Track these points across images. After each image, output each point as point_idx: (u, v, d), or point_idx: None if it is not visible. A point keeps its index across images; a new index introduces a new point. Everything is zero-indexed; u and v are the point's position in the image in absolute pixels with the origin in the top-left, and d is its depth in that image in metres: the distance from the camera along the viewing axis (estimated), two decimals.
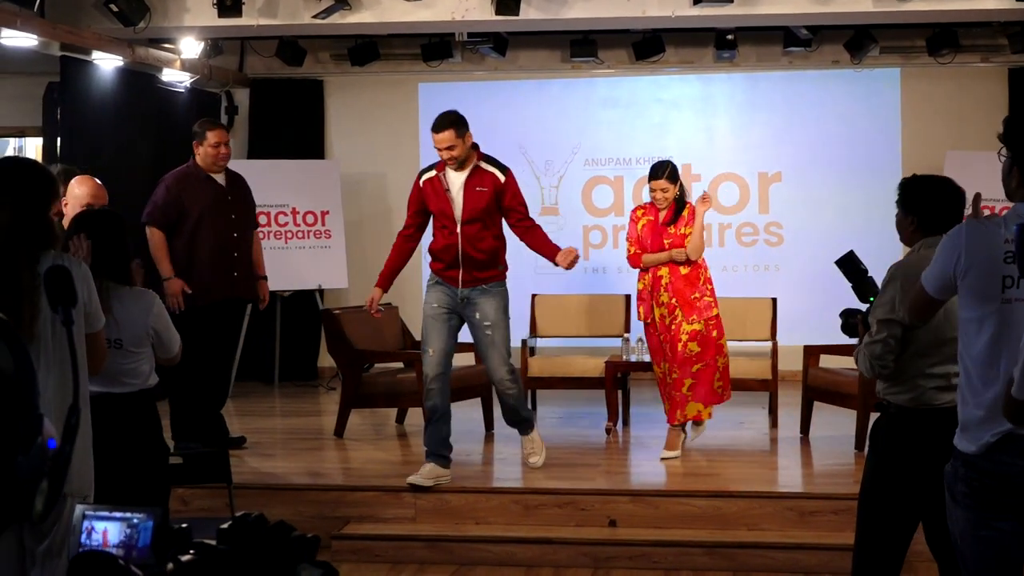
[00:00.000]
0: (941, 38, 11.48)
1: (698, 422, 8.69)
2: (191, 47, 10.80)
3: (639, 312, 8.61)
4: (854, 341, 4.98)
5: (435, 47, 11.70)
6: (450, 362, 7.79)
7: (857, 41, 11.41)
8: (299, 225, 11.98)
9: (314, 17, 9.70)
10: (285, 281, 11.64)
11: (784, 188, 12.35)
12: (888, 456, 4.81)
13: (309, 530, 1.70)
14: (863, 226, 11.66)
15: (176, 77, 11.44)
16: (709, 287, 8.49)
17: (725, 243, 12.39)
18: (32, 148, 12.70)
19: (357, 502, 7.75)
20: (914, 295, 4.32)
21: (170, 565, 1.62)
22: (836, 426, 9.16)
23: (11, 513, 1.25)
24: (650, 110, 12.50)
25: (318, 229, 11.99)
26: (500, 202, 7.73)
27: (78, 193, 6.71)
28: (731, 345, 10.17)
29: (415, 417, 9.36)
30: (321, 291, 12.03)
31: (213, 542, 1.68)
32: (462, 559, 7.31)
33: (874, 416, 5.03)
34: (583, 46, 11.73)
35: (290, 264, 11.72)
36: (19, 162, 4.78)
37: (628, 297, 10.39)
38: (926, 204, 4.80)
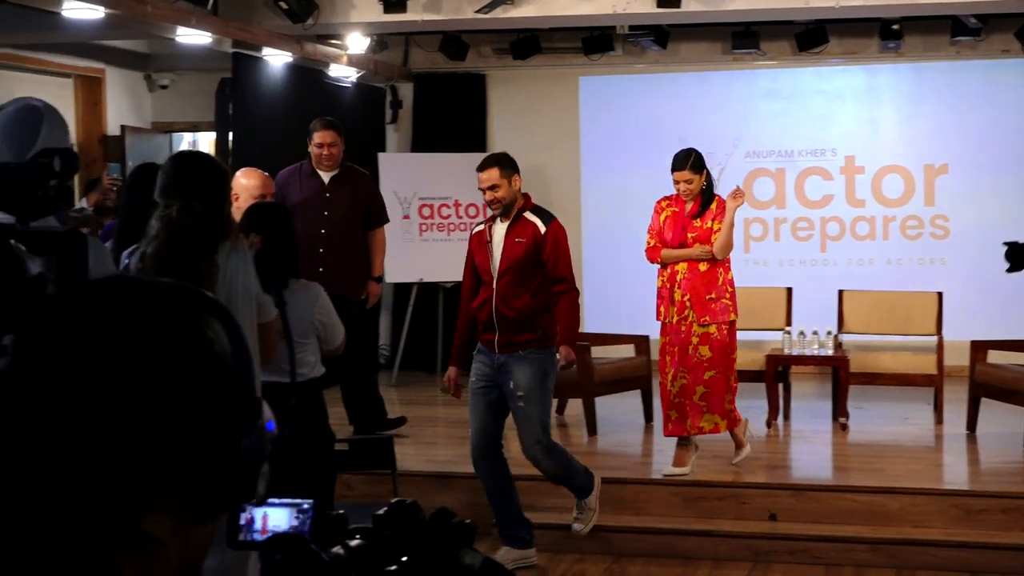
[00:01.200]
0: None
1: (740, 446, 8.03)
2: (357, 43, 10.94)
3: (657, 311, 7.91)
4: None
5: (596, 40, 11.66)
6: (493, 440, 6.89)
7: None
8: (461, 217, 12.06)
9: (477, 12, 9.74)
10: (447, 272, 11.71)
11: (951, 180, 12.03)
12: None
13: (469, 517, 1.70)
14: None
15: (343, 72, 11.61)
16: (729, 290, 7.80)
17: (889, 236, 12.14)
18: (205, 142, 13.02)
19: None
20: None
21: (339, 549, 1.64)
22: (1004, 423, 8.87)
23: (236, 495, 1.27)
24: (813, 101, 12.29)
25: (479, 221, 12.03)
26: (539, 256, 6.82)
27: (246, 184, 6.78)
28: (895, 340, 10.00)
29: (575, 408, 9.35)
30: None
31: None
32: (621, 550, 7.29)
33: None
34: (745, 38, 11.59)
35: (452, 256, 11.76)
36: (200, 157, 4.91)
37: (790, 290, 10.24)
38: None
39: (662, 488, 7.71)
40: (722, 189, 12.36)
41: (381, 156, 12.00)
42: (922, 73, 12.11)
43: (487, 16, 9.77)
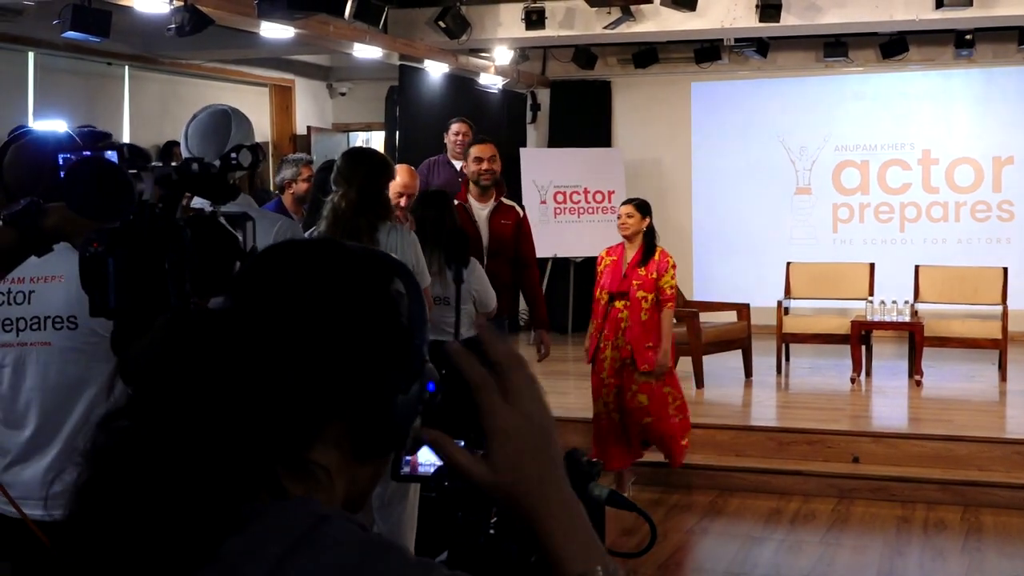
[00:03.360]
0: None
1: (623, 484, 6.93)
2: (503, 55, 10.97)
3: (591, 349, 6.92)
4: None
5: (706, 51, 11.53)
6: None
7: None
8: (589, 202, 12.03)
9: (605, 28, 9.70)
10: (577, 248, 11.72)
11: (1016, 170, 11.68)
12: None
13: (594, 456, 1.70)
14: None
15: (491, 80, 11.64)
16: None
17: (960, 219, 11.84)
18: (377, 140, 13.17)
19: None
20: None
21: None
22: None
23: (388, 444, 1.21)
24: (894, 102, 12.01)
25: (605, 206, 12.00)
26: (519, 235, 6.53)
27: (396, 180, 6.78)
28: (964, 308, 9.76)
29: (685, 364, 9.29)
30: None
31: None
32: (724, 485, 7.24)
33: None
34: (835, 47, 11.35)
35: (582, 234, 11.79)
36: (362, 151, 4.98)
37: (872, 265, 10.05)
38: None
39: (760, 433, 7.63)
40: (813, 180, 12.21)
41: (523, 151, 12.03)
42: (992, 77, 11.75)
43: (613, 31, 9.73)
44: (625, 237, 6.85)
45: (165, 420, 1.08)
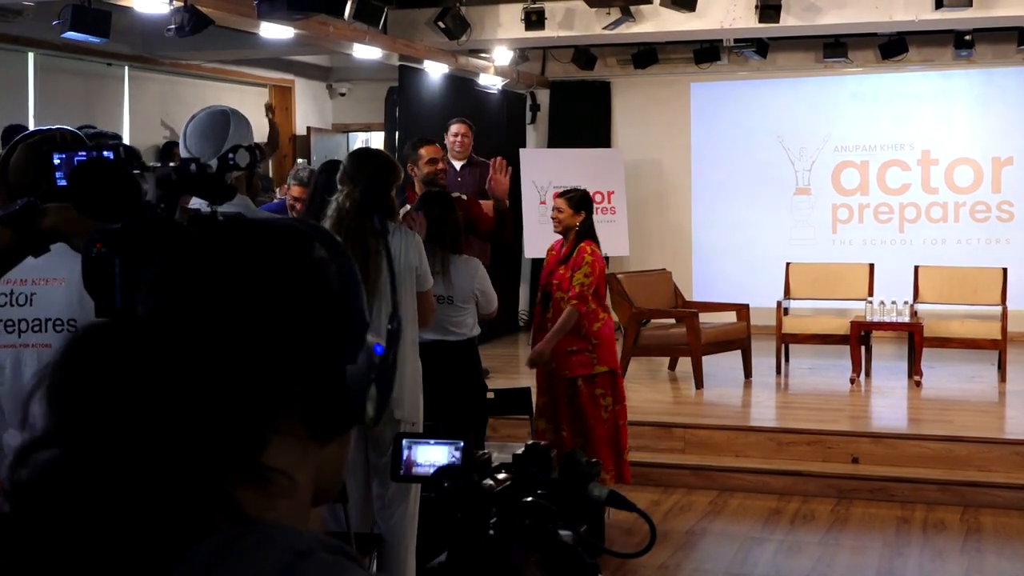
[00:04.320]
0: None
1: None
2: (503, 56, 10.96)
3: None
4: None
5: (705, 52, 11.52)
6: None
7: None
8: None
9: (604, 28, 9.70)
10: None
11: (1016, 171, 11.67)
12: None
13: (596, 456, 1.69)
14: None
15: (490, 81, 11.63)
16: (594, 341, 6.17)
17: (960, 219, 11.83)
18: (376, 141, 13.16)
19: (635, 434, 7.70)
20: None
21: (489, 482, 1.64)
22: None
23: (346, 418, 1.13)
24: (894, 103, 12.00)
25: (605, 206, 11.98)
26: (473, 222, 6.45)
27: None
28: (964, 309, 9.75)
29: (685, 365, 9.30)
30: (607, 258, 12.01)
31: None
32: (723, 486, 7.24)
33: None
34: (835, 48, 11.35)
35: None
36: (368, 151, 4.97)
37: (872, 266, 10.05)
38: None
39: (759, 434, 7.62)
40: (812, 180, 12.20)
41: (522, 151, 12.01)
42: (991, 77, 11.74)
43: (613, 32, 9.73)
44: (557, 232, 6.28)
45: (93, 449, 0.98)
